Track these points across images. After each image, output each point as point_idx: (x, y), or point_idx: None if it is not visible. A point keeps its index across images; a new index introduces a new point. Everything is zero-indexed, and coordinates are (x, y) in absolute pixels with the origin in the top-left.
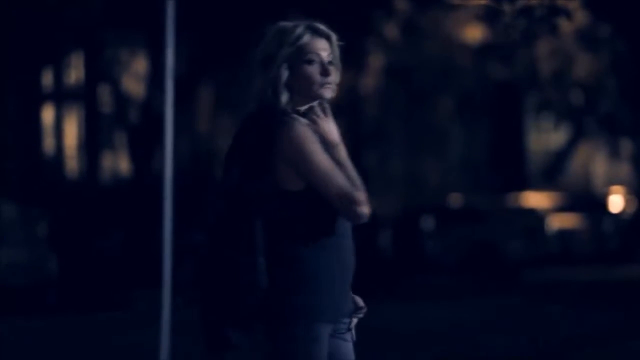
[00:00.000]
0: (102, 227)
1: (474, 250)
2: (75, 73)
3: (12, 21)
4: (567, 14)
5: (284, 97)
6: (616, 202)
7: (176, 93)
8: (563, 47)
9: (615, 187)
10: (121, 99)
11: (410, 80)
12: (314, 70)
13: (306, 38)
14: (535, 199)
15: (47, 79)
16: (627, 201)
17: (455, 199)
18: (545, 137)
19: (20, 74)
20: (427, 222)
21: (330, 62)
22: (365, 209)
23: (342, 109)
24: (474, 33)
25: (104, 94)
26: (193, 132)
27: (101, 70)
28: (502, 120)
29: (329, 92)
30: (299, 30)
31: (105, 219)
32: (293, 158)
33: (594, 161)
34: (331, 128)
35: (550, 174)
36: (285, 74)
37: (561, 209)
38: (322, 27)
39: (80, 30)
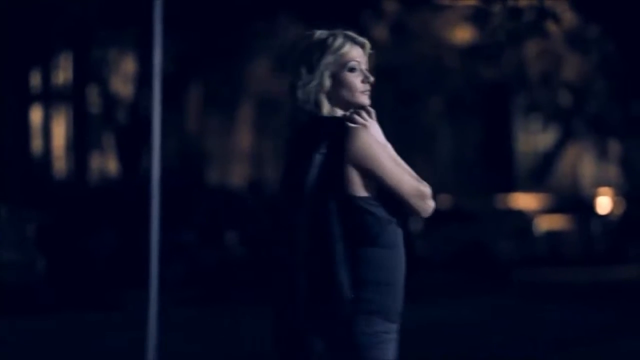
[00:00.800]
0: (90, 228)
1: (463, 250)
2: (63, 73)
3: (0, 21)
4: (556, 17)
5: (327, 106)
6: (604, 204)
7: (164, 93)
8: (552, 48)
9: (603, 189)
10: (109, 100)
11: (400, 81)
12: (355, 78)
13: (347, 47)
14: (524, 200)
15: (36, 79)
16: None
17: (444, 200)
18: (533, 138)
19: (9, 74)
20: (416, 223)
21: (367, 70)
22: (432, 202)
23: None
24: (463, 34)
25: (92, 94)
26: (181, 132)
27: (89, 71)
28: (490, 121)
29: (367, 99)
30: (340, 39)
31: (94, 219)
32: (364, 164)
33: (582, 162)
34: (378, 130)
35: (538, 175)
36: (328, 82)
37: (549, 210)
38: (356, 35)
39: (69, 31)
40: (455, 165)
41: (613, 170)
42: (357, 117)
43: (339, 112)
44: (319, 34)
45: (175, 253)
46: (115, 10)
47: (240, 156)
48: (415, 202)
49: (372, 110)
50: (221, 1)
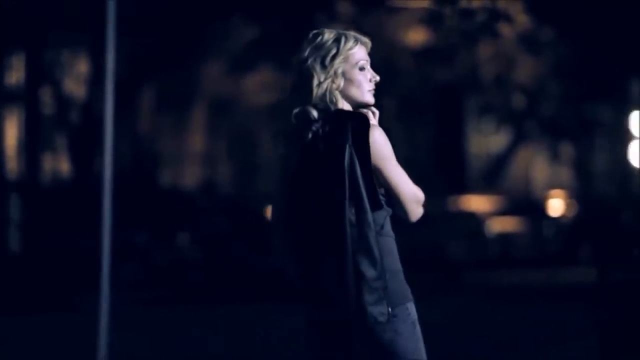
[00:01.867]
0: (42, 228)
1: (415, 251)
2: (16, 74)
3: None
4: (508, 18)
5: (341, 103)
6: (556, 206)
7: (117, 94)
8: (505, 50)
9: (555, 191)
10: (62, 101)
11: None
12: (364, 77)
13: (357, 46)
14: (476, 202)
15: None
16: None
17: None
18: (486, 140)
19: None
20: None
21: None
22: (422, 210)
23: (284, 112)
24: (417, 36)
25: (45, 95)
26: (134, 133)
27: (42, 72)
28: (443, 123)
29: (373, 98)
30: (351, 38)
31: (46, 220)
32: (377, 161)
33: (535, 165)
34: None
35: (490, 177)
36: (342, 81)
37: (501, 212)
38: (360, 35)
39: (22, 32)
40: (408, 167)
41: (565, 173)
42: (371, 115)
43: (347, 108)
44: (329, 34)
45: (128, 254)
46: (69, 11)
47: (193, 157)
48: (411, 205)
49: (376, 111)
50: (175, 2)
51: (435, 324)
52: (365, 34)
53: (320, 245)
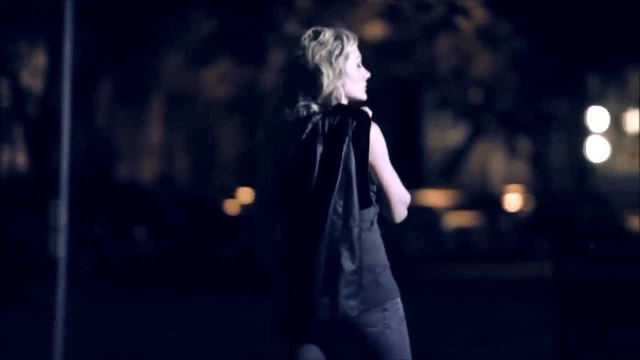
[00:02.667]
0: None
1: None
2: None
3: None
4: (466, 13)
5: (343, 100)
6: (513, 201)
7: (75, 87)
8: (462, 44)
9: (512, 186)
10: (19, 93)
11: None
12: (360, 74)
13: (355, 44)
14: (433, 197)
15: None
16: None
17: None
18: (443, 134)
19: None
20: None
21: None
22: (406, 212)
23: (242, 105)
24: (375, 30)
25: (2, 87)
26: (92, 126)
27: None
28: (401, 117)
29: (365, 94)
30: (351, 36)
31: (2, 212)
32: (374, 159)
33: (492, 159)
34: (379, 129)
35: (447, 172)
36: (346, 78)
37: (458, 207)
38: (350, 31)
39: None
40: None
41: (522, 167)
42: (369, 112)
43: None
44: (329, 31)
45: (84, 247)
46: (27, 3)
47: (150, 150)
48: (398, 206)
49: (369, 110)
50: None
51: None
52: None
53: (301, 233)
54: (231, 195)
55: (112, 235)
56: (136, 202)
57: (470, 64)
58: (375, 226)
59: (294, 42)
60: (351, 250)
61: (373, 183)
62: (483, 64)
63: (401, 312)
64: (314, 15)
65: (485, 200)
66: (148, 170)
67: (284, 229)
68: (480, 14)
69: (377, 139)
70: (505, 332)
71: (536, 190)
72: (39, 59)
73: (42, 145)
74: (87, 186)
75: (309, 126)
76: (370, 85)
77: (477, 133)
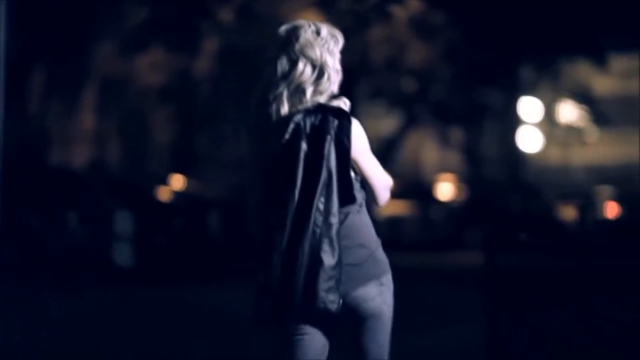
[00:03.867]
0: None
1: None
2: None
3: None
4: (400, 1)
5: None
6: (445, 190)
7: (8, 74)
8: (396, 34)
9: (444, 175)
10: None
11: (245, 64)
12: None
13: (339, 39)
14: None
15: None
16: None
17: None
18: (376, 123)
19: None
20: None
21: None
22: (389, 195)
23: (175, 92)
24: (309, 18)
25: None
26: (24, 113)
27: None
28: None
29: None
30: (337, 33)
31: None
32: (356, 154)
33: (425, 148)
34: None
35: (380, 161)
36: (339, 74)
37: (391, 195)
38: None
39: None
40: None
41: (455, 157)
42: (347, 105)
43: (323, 101)
44: (325, 28)
45: (17, 235)
46: None
47: (83, 137)
48: (382, 192)
49: (348, 101)
50: None
51: None
52: (257, 17)
53: (285, 228)
54: (164, 182)
55: (44, 223)
56: (68, 189)
57: (404, 53)
58: (364, 209)
59: (286, 35)
60: (331, 245)
61: (357, 173)
62: (417, 53)
63: (392, 285)
64: (247, 4)
65: (417, 189)
66: (80, 157)
67: (268, 224)
68: (414, 4)
69: (358, 134)
70: (436, 321)
71: (468, 180)
72: None
73: None
74: (19, 174)
75: (292, 125)
76: None
77: (410, 122)
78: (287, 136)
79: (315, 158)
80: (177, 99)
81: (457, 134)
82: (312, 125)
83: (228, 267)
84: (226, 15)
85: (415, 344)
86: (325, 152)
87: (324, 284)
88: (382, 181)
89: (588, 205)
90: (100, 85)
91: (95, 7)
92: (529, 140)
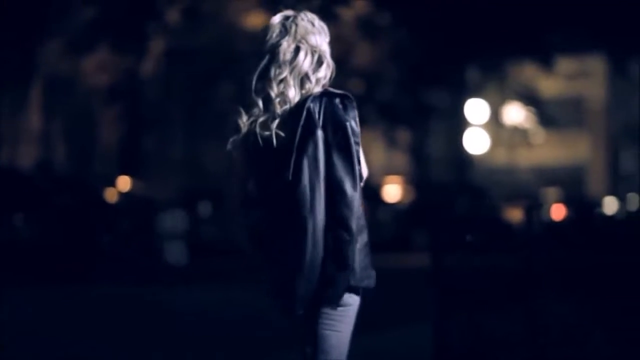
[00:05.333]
0: None
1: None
2: None
3: None
4: (346, 2)
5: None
6: (392, 192)
7: None
8: (342, 34)
9: (391, 177)
10: None
11: (192, 65)
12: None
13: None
14: None
15: None
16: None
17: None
18: None
19: None
20: (205, 207)
21: None
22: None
23: (121, 93)
24: (256, 20)
25: None
26: None
27: None
28: None
29: None
30: (325, 26)
31: None
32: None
33: (371, 150)
34: None
35: None
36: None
37: None
38: None
39: None
40: None
41: (402, 159)
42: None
43: (320, 88)
44: (317, 18)
45: None
46: None
47: (30, 137)
48: (361, 182)
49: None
50: None
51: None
52: (203, 18)
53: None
54: (111, 183)
55: None
56: (15, 188)
57: (350, 54)
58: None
59: (284, 23)
60: (363, 225)
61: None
62: (363, 54)
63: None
64: (194, 5)
65: (364, 190)
66: (27, 156)
67: (265, 219)
68: (360, 5)
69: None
70: (384, 322)
71: (415, 181)
72: None
73: None
74: None
75: (305, 112)
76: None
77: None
78: (302, 122)
79: (341, 145)
80: (124, 100)
81: (404, 135)
82: (327, 111)
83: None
84: (172, 16)
85: (362, 345)
86: (350, 139)
87: (365, 258)
88: (367, 169)
89: (534, 206)
90: (47, 85)
91: (43, 7)
92: (476, 141)
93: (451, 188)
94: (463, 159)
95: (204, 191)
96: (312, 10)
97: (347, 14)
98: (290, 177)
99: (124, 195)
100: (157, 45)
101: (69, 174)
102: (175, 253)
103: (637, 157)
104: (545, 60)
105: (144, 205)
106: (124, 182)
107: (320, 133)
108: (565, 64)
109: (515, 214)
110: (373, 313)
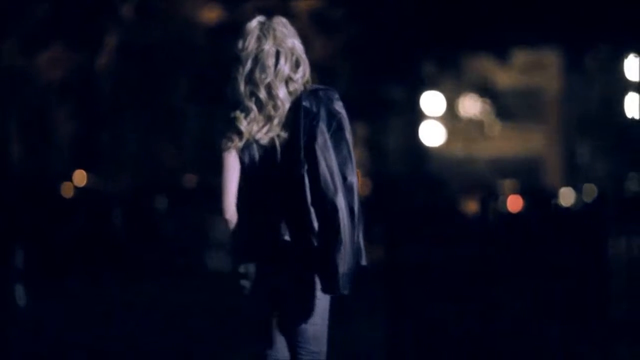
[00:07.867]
0: None
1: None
2: None
3: None
4: None
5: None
6: None
7: None
8: (297, 28)
9: None
10: None
11: (146, 60)
12: None
13: None
14: None
15: None
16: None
17: (189, 180)
18: None
19: None
20: (161, 202)
21: None
22: None
23: (76, 88)
24: (210, 14)
25: None
26: None
27: None
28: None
29: None
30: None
31: None
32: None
33: None
34: None
35: None
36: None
37: None
38: None
39: None
40: (202, 145)
41: (359, 152)
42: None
43: (299, 87)
44: (283, 21)
45: None
46: None
47: None
48: None
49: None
50: None
51: (223, 298)
52: (158, 13)
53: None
54: (67, 178)
55: None
56: None
57: (305, 48)
58: None
59: (261, 29)
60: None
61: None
62: (318, 48)
63: None
64: (148, 0)
65: None
66: None
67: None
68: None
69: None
70: (338, 317)
71: (372, 174)
72: None
73: None
74: None
75: (302, 111)
76: (206, 70)
77: None
78: (302, 119)
79: (337, 134)
80: (77, 95)
81: (360, 128)
82: (320, 105)
83: (130, 263)
84: (127, 11)
85: None
86: (345, 128)
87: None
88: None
89: (491, 198)
90: (0, 80)
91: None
92: (432, 134)
93: (407, 180)
94: (419, 151)
95: (159, 186)
96: (267, 6)
97: (301, 8)
98: (302, 172)
99: (79, 190)
100: (111, 40)
101: (24, 169)
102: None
103: (593, 148)
104: (501, 53)
105: (100, 200)
106: (80, 177)
107: (322, 124)
108: (520, 57)
109: (471, 206)
110: (346, 307)
